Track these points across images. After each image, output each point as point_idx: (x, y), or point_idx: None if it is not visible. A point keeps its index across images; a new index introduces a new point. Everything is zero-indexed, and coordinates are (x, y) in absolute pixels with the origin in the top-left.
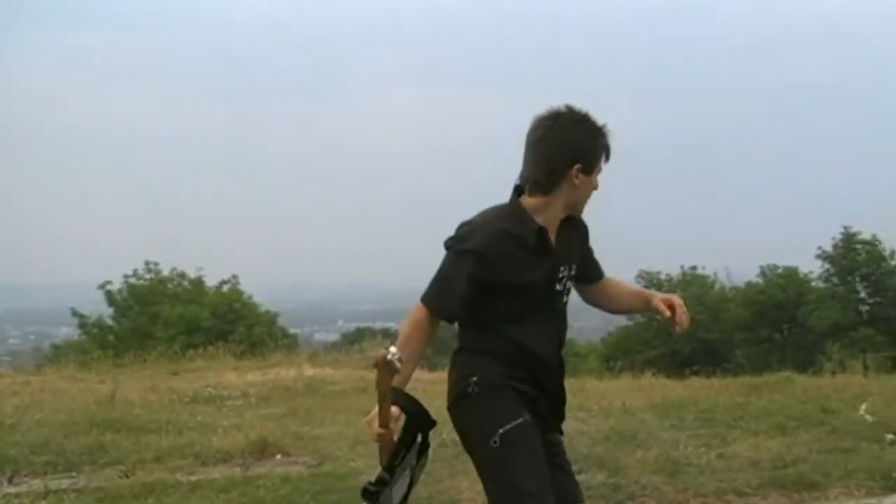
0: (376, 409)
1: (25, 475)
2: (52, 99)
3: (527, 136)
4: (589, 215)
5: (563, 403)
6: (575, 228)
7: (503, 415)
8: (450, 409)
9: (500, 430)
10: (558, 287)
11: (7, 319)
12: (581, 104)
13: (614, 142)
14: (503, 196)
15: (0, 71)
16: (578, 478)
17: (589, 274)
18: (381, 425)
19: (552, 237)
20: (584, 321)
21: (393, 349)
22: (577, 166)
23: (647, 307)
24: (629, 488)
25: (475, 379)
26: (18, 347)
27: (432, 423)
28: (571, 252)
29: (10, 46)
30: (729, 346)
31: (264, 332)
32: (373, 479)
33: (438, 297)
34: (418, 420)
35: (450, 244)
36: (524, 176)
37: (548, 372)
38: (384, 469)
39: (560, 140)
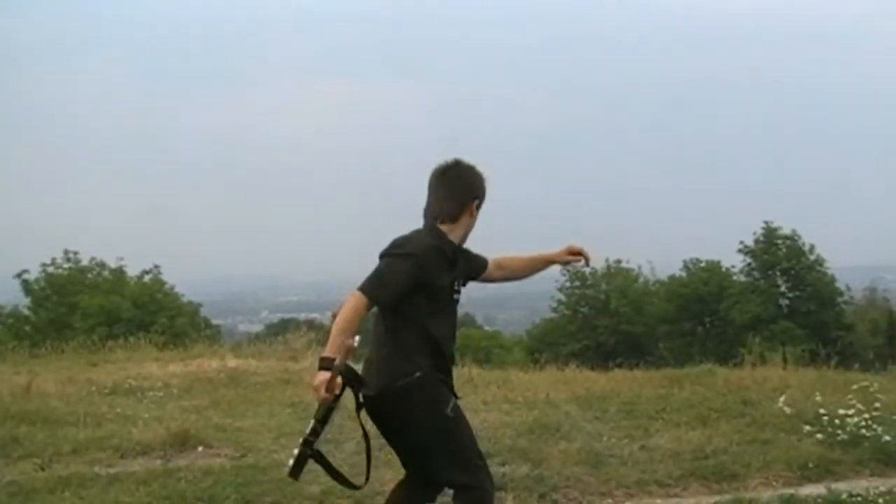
0: (323, 375)
1: None
2: None
3: (433, 178)
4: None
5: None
6: (463, 252)
7: (446, 395)
8: (389, 393)
9: (450, 405)
10: (456, 296)
11: None
12: (495, 100)
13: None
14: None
15: None
16: (502, 469)
17: (480, 269)
18: (328, 391)
19: None
20: (509, 313)
21: (357, 338)
22: (475, 202)
23: (549, 263)
24: (552, 480)
25: (419, 374)
26: None
27: (362, 383)
28: (463, 268)
29: None
30: (652, 339)
31: (187, 323)
32: (307, 430)
33: (376, 289)
34: (353, 381)
35: (389, 251)
36: (433, 209)
37: (451, 361)
38: (318, 422)
39: (464, 181)
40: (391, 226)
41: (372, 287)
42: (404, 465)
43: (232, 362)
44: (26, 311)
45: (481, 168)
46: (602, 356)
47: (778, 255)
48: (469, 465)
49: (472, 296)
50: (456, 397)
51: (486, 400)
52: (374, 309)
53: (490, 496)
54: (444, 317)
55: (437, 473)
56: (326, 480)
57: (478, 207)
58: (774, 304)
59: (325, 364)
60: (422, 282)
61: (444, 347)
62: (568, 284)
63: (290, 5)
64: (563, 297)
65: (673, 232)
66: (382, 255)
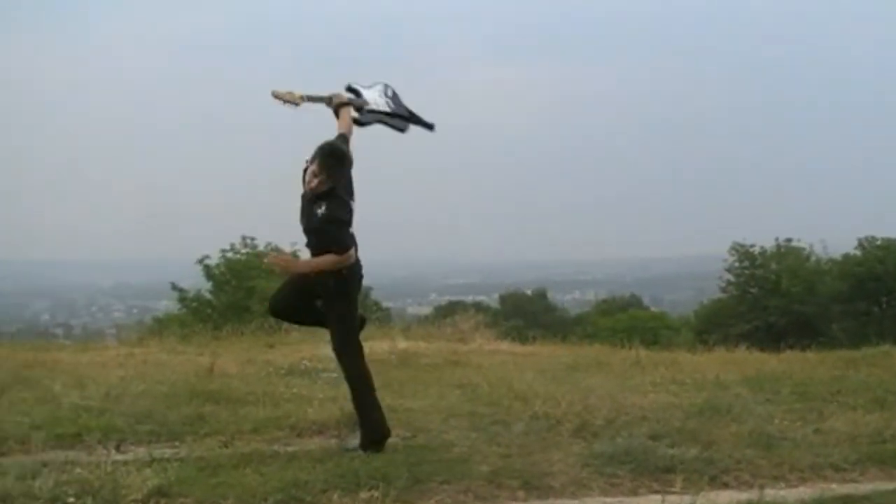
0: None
1: (131, 444)
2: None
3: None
4: (682, 187)
5: None
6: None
7: None
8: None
9: None
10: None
11: (112, 294)
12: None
13: None
14: None
15: None
16: (671, 451)
17: None
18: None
19: None
20: (676, 294)
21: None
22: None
23: None
24: (723, 462)
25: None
26: (122, 321)
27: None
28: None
29: None
30: (825, 320)
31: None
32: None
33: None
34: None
35: (345, 220)
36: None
37: None
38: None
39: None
40: (555, 210)
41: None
42: None
43: (402, 344)
44: (208, 296)
45: None
46: (772, 337)
47: None
48: None
49: (638, 277)
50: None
51: (654, 381)
52: None
53: None
54: None
55: None
56: (496, 461)
57: None
58: None
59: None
60: None
61: None
62: (737, 264)
63: None
64: (731, 278)
65: (846, 210)
66: (342, 221)
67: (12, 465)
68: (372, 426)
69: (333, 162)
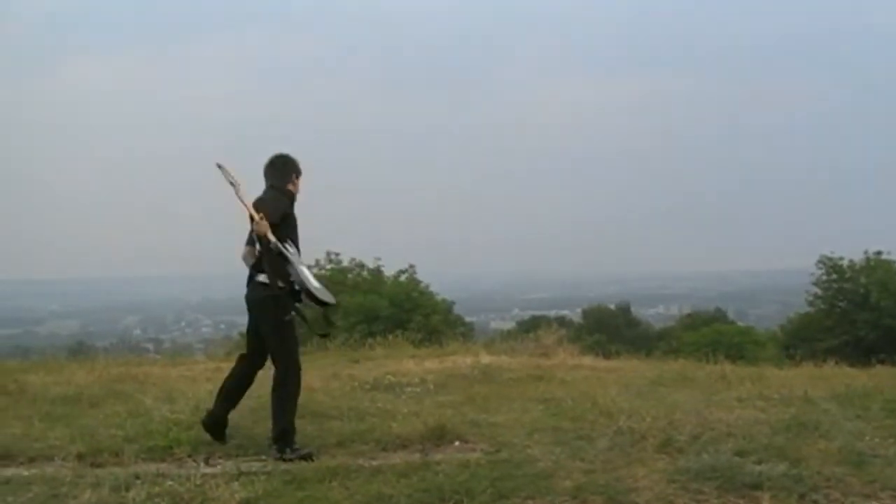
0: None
1: (219, 457)
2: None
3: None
4: (768, 199)
5: None
6: None
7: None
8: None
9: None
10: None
11: (199, 309)
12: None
13: None
14: None
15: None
16: (758, 467)
17: None
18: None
19: None
20: (761, 309)
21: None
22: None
23: None
24: (812, 479)
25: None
26: (210, 335)
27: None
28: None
29: None
30: None
31: (441, 321)
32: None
33: None
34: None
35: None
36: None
37: None
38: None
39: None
40: (638, 223)
41: None
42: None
43: (485, 359)
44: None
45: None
46: (862, 352)
47: None
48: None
49: (723, 291)
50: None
51: (740, 396)
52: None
53: None
54: None
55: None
56: (580, 476)
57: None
58: None
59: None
60: None
61: None
62: (825, 278)
63: (534, 3)
64: (819, 291)
65: None
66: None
67: (107, 477)
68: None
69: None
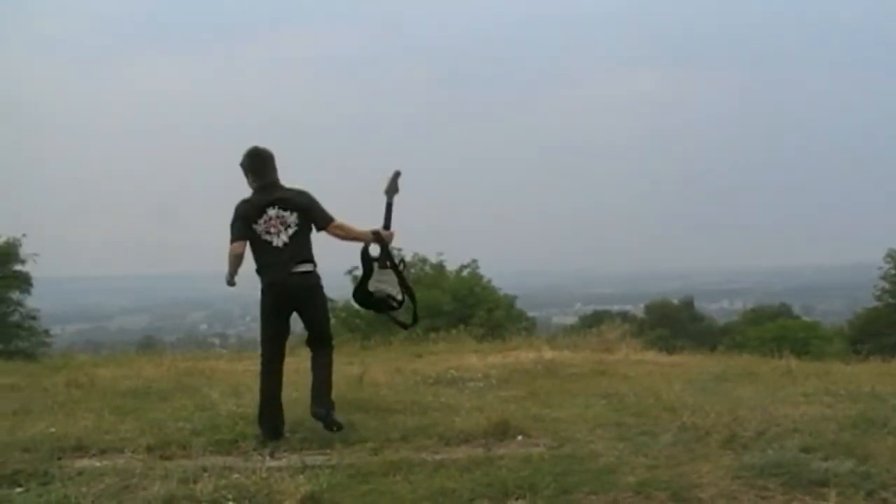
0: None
1: (284, 451)
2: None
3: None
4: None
5: None
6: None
7: None
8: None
9: None
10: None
11: None
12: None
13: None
14: None
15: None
16: (825, 464)
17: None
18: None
19: None
20: (828, 303)
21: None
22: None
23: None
24: (880, 477)
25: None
26: None
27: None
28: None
29: None
30: None
31: (503, 316)
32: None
33: None
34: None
35: (239, 213)
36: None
37: None
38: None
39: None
40: (700, 218)
41: None
42: None
43: (548, 354)
44: (356, 306)
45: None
46: None
47: None
48: None
49: (788, 285)
50: None
51: (805, 392)
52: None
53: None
54: None
55: None
56: (643, 472)
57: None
58: None
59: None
60: None
61: None
62: (892, 272)
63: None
64: (886, 286)
65: None
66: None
67: (175, 469)
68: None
69: (249, 161)
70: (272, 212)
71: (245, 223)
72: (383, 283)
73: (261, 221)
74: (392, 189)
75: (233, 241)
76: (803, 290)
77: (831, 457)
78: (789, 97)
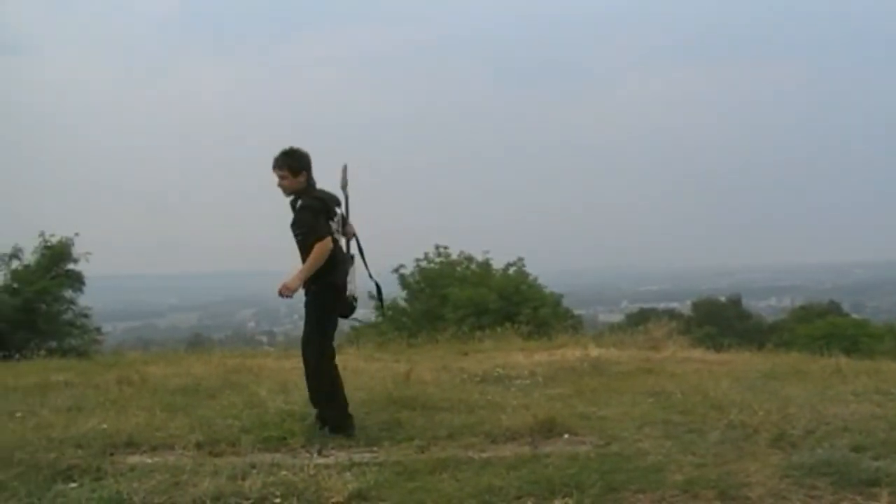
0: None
1: (332, 448)
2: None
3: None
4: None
5: None
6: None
7: None
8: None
9: None
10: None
11: None
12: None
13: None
14: None
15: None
16: (876, 463)
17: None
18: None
19: None
20: (878, 301)
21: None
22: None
23: None
24: None
25: None
26: None
27: None
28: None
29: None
30: None
31: (549, 314)
32: None
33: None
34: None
35: (316, 206)
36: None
37: None
38: None
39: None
40: (748, 215)
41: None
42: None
43: (594, 351)
44: (403, 304)
45: None
46: None
47: None
48: None
49: (837, 283)
50: None
51: (855, 391)
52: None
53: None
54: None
55: None
56: (691, 470)
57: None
58: None
59: None
60: None
61: None
62: None
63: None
64: None
65: None
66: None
67: (224, 466)
68: (328, 419)
69: (286, 159)
70: (339, 211)
71: (326, 220)
72: (351, 282)
73: (334, 220)
74: (345, 182)
75: (324, 236)
76: (853, 287)
77: (882, 456)
78: (850, 87)
